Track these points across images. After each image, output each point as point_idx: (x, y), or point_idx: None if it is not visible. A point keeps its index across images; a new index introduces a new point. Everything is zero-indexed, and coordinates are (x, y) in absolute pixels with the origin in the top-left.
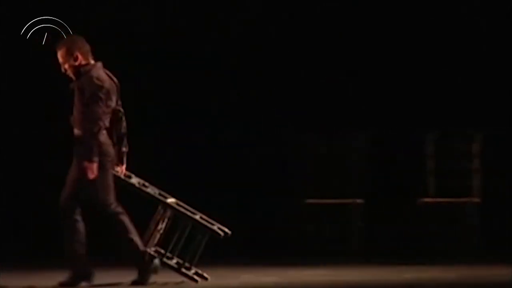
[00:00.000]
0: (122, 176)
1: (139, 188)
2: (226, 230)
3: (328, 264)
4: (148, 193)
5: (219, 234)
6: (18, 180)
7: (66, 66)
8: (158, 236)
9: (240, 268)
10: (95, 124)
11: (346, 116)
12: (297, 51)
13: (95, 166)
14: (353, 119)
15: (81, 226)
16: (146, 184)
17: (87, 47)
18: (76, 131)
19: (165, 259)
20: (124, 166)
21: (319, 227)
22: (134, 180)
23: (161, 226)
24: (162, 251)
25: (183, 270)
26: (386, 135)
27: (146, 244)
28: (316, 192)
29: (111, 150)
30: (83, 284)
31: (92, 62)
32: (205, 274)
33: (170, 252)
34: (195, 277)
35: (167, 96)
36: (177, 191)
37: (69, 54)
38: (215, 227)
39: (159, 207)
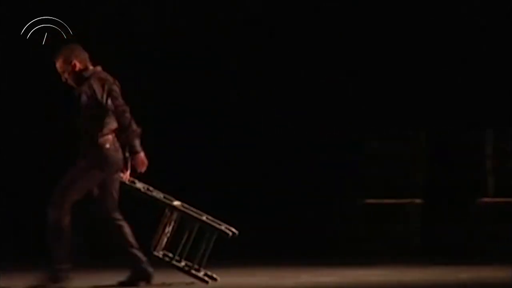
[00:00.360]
0: (127, 182)
1: (144, 193)
2: (234, 230)
3: (386, 264)
4: (153, 197)
5: (227, 234)
6: (18, 180)
7: (66, 74)
8: (165, 239)
9: (298, 268)
10: (123, 117)
11: (404, 116)
12: (311, 50)
13: (141, 155)
14: (412, 118)
15: (127, 228)
16: (151, 188)
17: (84, 54)
18: (85, 137)
19: (174, 262)
20: (128, 172)
21: (378, 227)
22: (139, 185)
23: (168, 229)
24: (170, 254)
25: (193, 271)
26: (445, 135)
27: (154, 248)
28: (375, 192)
29: (113, 157)
30: (142, 284)
31: (91, 67)
32: (214, 275)
33: (179, 255)
34: (206, 278)
35: (167, 96)
36: (183, 192)
37: (67, 63)
38: (222, 227)
39: (166, 210)
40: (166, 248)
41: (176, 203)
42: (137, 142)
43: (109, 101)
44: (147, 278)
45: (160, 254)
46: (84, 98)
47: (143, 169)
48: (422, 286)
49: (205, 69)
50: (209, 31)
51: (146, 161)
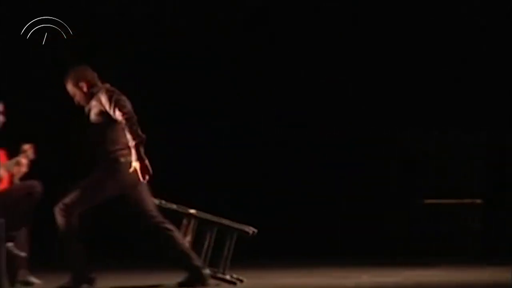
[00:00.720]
0: None
1: (159, 205)
2: (253, 229)
3: (445, 265)
4: (170, 209)
5: (248, 233)
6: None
7: (77, 97)
8: None
9: (358, 268)
10: (130, 124)
11: (465, 116)
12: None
13: (146, 163)
14: (473, 118)
15: (176, 232)
16: (163, 202)
17: (92, 74)
18: (98, 150)
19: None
20: None
21: (438, 227)
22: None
23: (188, 238)
24: None
25: (220, 275)
26: (506, 135)
27: None
28: (435, 192)
29: (127, 171)
30: (198, 284)
31: (100, 84)
32: (240, 277)
33: (203, 262)
34: (233, 280)
35: (167, 96)
36: (183, 192)
37: (76, 86)
38: (242, 227)
39: (184, 220)
40: None
41: (192, 211)
42: (142, 150)
43: (117, 111)
44: (203, 281)
45: None
46: (94, 112)
47: (146, 177)
48: (483, 287)
49: (205, 69)
50: (209, 31)
51: (150, 170)
